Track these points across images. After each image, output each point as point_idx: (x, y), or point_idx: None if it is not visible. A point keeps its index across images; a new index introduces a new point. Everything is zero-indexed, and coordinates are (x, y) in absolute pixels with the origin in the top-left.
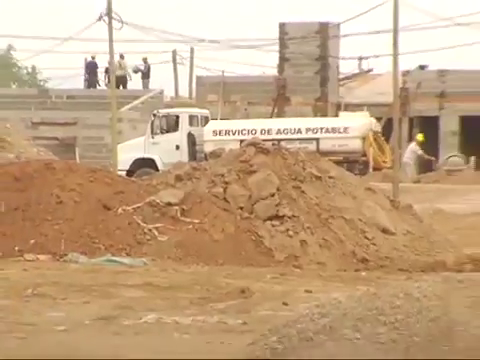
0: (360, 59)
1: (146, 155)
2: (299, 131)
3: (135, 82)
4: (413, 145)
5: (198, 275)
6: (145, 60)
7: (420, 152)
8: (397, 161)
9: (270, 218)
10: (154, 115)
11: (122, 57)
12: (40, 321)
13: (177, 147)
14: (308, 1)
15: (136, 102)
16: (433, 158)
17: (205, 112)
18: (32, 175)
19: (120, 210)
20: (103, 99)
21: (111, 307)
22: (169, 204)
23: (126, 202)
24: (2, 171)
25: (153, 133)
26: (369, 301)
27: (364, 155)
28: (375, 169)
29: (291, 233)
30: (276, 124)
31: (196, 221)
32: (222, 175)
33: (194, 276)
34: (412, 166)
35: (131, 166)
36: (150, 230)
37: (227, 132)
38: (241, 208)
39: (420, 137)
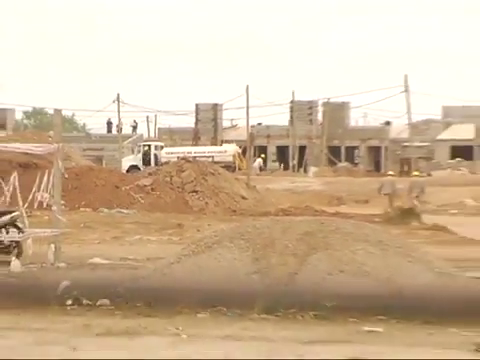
0: (231, 120)
1: (134, 163)
2: (205, 152)
3: (129, 131)
4: (259, 160)
5: (159, 218)
6: (135, 121)
7: (261, 164)
8: (249, 166)
9: (191, 192)
10: (138, 145)
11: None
12: (87, 238)
13: (148, 160)
14: (210, 91)
15: (130, 139)
16: (264, 170)
17: (162, 144)
18: (83, 172)
19: (123, 188)
20: (115, 138)
21: (119, 232)
22: (145, 185)
23: (126, 184)
24: (69, 171)
25: (137, 153)
26: (237, 229)
27: (234, 163)
28: (239, 170)
29: (201, 199)
30: (194, 149)
31: (158, 193)
32: (169, 172)
33: (157, 218)
34: (257, 169)
35: (128, 169)
36: (137, 197)
37: (172, 153)
38: (178, 187)
39: (262, 157)
